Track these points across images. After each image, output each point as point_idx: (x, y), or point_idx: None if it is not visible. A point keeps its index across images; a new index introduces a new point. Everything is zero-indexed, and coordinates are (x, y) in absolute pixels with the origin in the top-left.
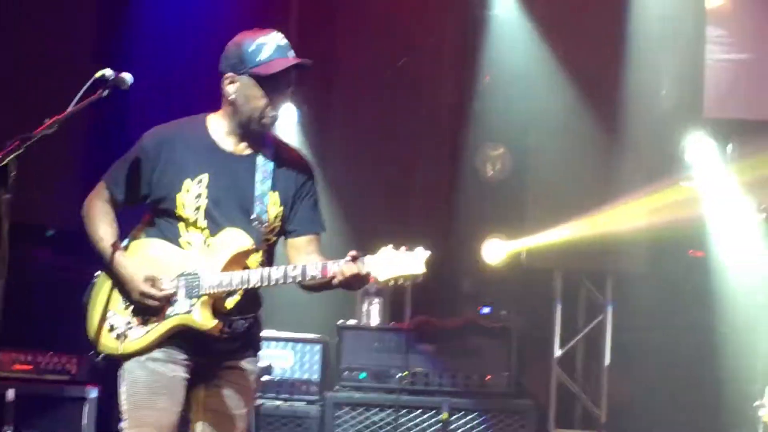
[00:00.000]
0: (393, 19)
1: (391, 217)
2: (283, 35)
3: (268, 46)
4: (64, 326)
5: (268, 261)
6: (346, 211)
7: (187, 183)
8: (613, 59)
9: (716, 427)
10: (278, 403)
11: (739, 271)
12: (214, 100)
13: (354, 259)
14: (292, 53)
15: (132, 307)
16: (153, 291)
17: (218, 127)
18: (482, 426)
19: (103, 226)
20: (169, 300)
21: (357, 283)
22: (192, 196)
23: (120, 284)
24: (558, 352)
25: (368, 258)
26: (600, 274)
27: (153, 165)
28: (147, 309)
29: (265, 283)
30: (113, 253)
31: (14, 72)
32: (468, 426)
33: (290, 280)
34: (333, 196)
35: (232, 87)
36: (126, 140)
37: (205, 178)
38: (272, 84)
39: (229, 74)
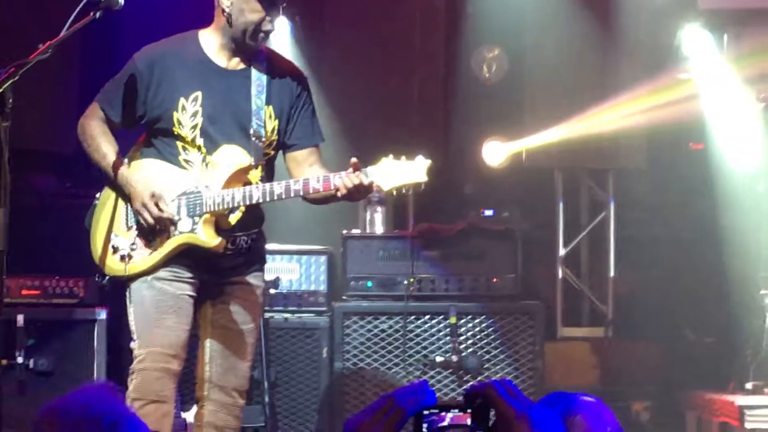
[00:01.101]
0: None
1: (389, 125)
2: None
3: None
4: (69, 250)
5: (268, 176)
6: (344, 123)
7: (182, 101)
8: None
9: (723, 318)
10: (286, 315)
11: (739, 162)
12: (206, 17)
13: (355, 169)
14: None
15: (135, 227)
16: (155, 209)
17: (211, 42)
18: (491, 328)
19: (104, 145)
20: (172, 219)
21: (360, 193)
22: (188, 114)
23: (126, 201)
24: (562, 251)
25: (371, 169)
26: (601, 171)
27: (147, 84)
28: (151, 228)
29: (267, 199)
30: (118, 167)
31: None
32: (476, 329)
33: (293, 194)
34: (329, 109)
35: (222, 2)
36: (118, 60)
37: (199, 95)
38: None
39: None
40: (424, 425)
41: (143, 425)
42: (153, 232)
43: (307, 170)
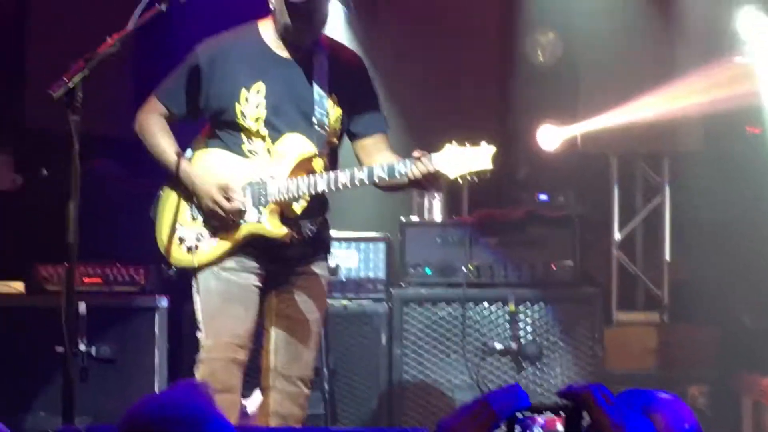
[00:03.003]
0: None
1: (443, 110)
2: None
3: None
4: (129, 237)
5: (332, 165)
6: (399, 107)
7: (244, 92)
8: None
9: None
10: (345, 302)
11: None
12: (258, 9)
13: (419, 158)
14: None
15: (200, 218)
16: (226, 202)
17: (270, 32)
18: (549, 315)
19: (164, 139)
20: (240, 210)
21: (429, 183)
22: (251, 105)
23: (190, 195)
24: (617, 236)
25: (435, 156)
26: (656, 156)
27: (209, 77)
28: (219, 219)
29: (332, 187)
30: (179, 163)
31: None
32: (535, 316)
33: (357, 182)
34: (385, 93)
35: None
36: (173, 45)
37: (262, 86)
38: (296, 4)
39: None
40: (517, 428)
41: (230, 425)
42: (219, 222)
43: (376, 157)
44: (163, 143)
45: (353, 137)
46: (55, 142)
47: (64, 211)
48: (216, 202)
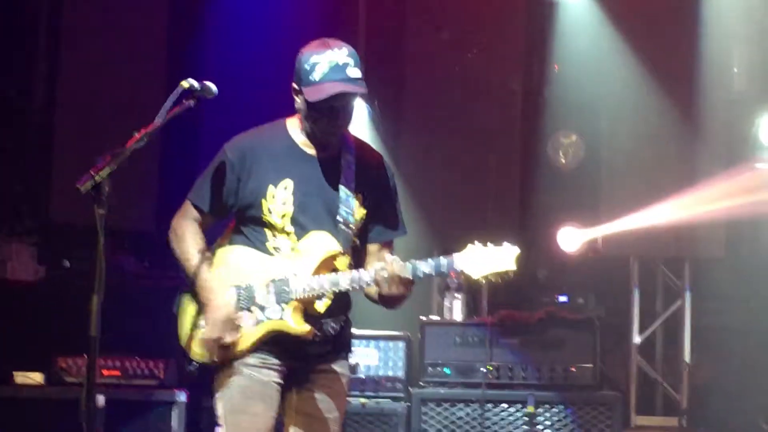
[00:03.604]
0: (461, 9)
1: (466, 210)
2: (346, 50)
3: (321, 65)
4: (149, 331)
5: (356, 263)
6: (421, 206)
7: (272, 189)
8: (685, 42)
9: None
10: (364, 400)
11: None
12: (284, 106)
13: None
14: (352, 71)
15: None
16: (227, 337)
17: (297, 130)
18: (568, 418)
19: (192, 247)
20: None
21: (398, 287)
22: (278, 202)
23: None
24: (637, 339)
25: (457, 255)
26: (677, 260)
27: (238, 175)
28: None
29: (356, 286)
30: (199, 276)
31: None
32: (554, 418)
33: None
34: (407, 192)
35: (297, 98)
36: (199, 144)
37: (290, 183)
38: (319, 108)
39: (294, 85)
40: None
41: None
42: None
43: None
44: (190, 251)
45: (369, 239)
46: (78, 235)
47: (85, 303)
48: (217, 333)
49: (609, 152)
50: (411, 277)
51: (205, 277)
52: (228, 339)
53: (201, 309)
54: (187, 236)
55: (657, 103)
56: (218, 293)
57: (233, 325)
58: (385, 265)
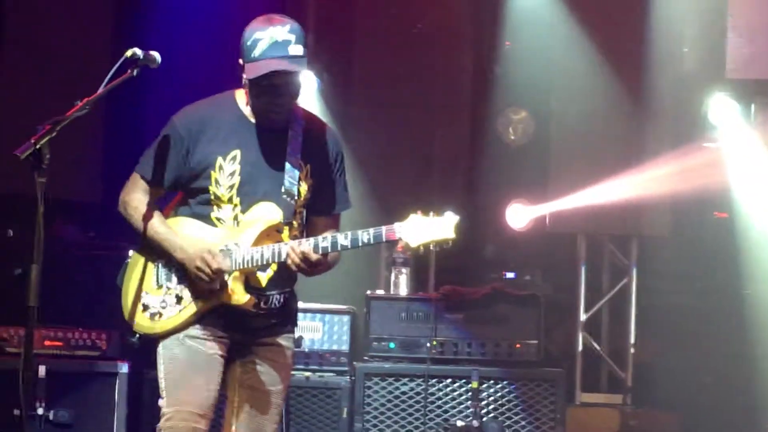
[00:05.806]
0: None
1: (413, 184)
2: (289, 26)
3: (262, 42)
4: (92, 302)
5: (302, 235)
6: (369, 179)
7: (220, 160)
8: (635, 21)
9: (744, 387)
10: (308, 374)
11: (765, 232)
12: (232, 78)
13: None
14: (294, 48)
15: (165, 286)
16: (213, 264)
17: (245, 102)
18: (512, 394)
19: (146, 215)
20: (222, 270)
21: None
22: (226, 173)
23: (161, 262)
24: (583, 316)
25: (397, 225)
26: (624, 238)
27: (186, 146)
28: (204, 283)
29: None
30: (166, 236)
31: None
32: (498, 394)
33: (321, 251)
34: (355, 165)
35: (242, 74)
36: (145, 114)
37: (237, 154)
38: (259, 84)
39: (240, 61)
40: None
41: None
42: (205, 286)
43: (322, 232)
44: (147, 220)
45: (315, 211)
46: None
47: (27, 273)
48: (202, 264)
49: (558, 129)
50: (316, 256)
51: (169, 235)
52: (224, 266)
53: (155, 264)
54: (141, 207)
55: (606, 82)
56: (191, 246)
57: (213, 255)
58: (289, 250)
